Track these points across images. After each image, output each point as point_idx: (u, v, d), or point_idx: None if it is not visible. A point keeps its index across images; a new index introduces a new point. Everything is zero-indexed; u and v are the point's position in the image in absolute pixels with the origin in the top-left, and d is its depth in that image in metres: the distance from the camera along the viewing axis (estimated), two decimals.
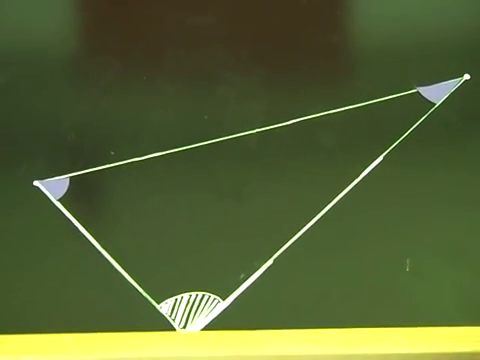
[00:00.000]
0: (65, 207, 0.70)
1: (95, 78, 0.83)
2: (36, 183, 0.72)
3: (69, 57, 0.87)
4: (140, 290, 0.65)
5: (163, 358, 0.61)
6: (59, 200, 0.71)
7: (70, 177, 0.72)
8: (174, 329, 0.63)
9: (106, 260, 0.67)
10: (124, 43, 0.87)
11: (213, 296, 0.64)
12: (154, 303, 0.64)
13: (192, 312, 0.63)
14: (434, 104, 0.80)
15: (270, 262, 0.67)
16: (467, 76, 0.82)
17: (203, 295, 0.64)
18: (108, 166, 0.74)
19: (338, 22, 0.92)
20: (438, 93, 0.80)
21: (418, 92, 0.81)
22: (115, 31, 0.88)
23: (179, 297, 0.64)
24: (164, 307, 0.64)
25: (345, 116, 0.79)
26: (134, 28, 0.88)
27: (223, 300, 0.64)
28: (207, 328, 0.63)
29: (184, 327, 0.63)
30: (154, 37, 0.87)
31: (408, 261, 0.67)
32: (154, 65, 0.85)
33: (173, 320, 0.63)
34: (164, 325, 0.63)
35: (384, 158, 0.75)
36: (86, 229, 0.69)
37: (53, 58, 0.85)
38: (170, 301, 0.64)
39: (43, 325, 0.62)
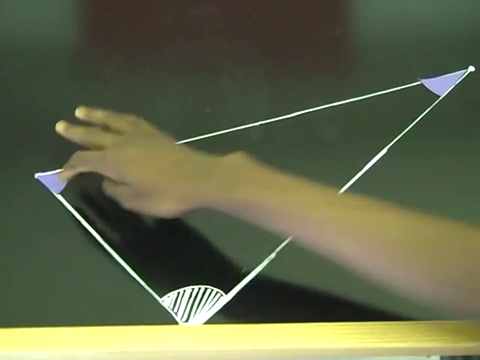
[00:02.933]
0: (67, 200, 0.70)
1: (97, 71, 0.83)
2: (37, 176, 0.72)
3: (71, 50, 0.87)
4: (142, 283, 0.64)
5: (166, 352, 0.61)
6: (60, 193, 0.71)
7: None
8: (177, 323, 0.62)
9: (108, 253, 0.67)
10: (126, 36, 0.86)
11: (216, 290, 0.64)
12: (156, 297, 0.64)
13: (195, 306, 0.63)
14: (438, 96, 0.79)
15: (273, 255, 0.66)
16: (472, 68, 0.81)
17: (206, 289, 0.64)
18: None
19: (342, 14, 0.92)
20: (442, 85, 0.80)
21: (422, 84, 0.80)
22: (117, 24, 0.88)
23: (181, 291, 0.64)
24: (166, 301, 0.64)
25: (349, 108, 0.78)
26: (136, 20, 0.88)
27: (226, 294, 0.64)
28: (210, 322, 0.63)
29: (187, 321, 0.62)
30: (156, 29, 0.87)
31: None
32: (156, 57, 0.85)
33: (175, 314, 0.63)
34: (166, 319, 0.63)
35: (388, 150, 0.74)
36: (88, 222, 0.69)
37: (55, 51, 0.85)
38: (172, 295, 0.64)
39: (43, 318, 0.62)
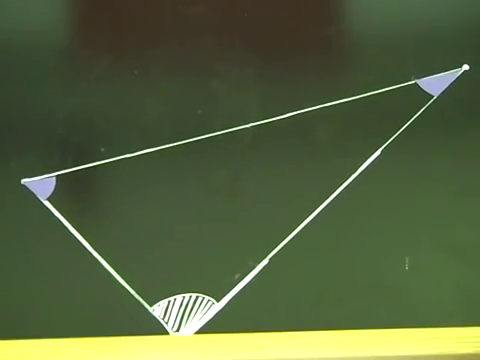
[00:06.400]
0: (54, 206, 0.69)
1: (85, 72, 0.81)
2: (24, 182, 0.71)
3: (58, 51, 0.85)
4: (132, 292, 0.64)
5: None
6: (47, 199, 0.70)
7: (57, 176, 0.71)
8: (167, 332, 0.62)
9: (97, 261, 0.66)
10: (115, 36, 0.85)
11: (207, 297, 0.64)
12: (146, 306, 0.64)
13: (186, 314, 0.63)
14: (432, 96, 0.78)
15: (266, 261, 0.66)
16: (466, 67, 0.81)
17: (197, 297, 0.64)
18: (99, 163, 0.73)
19: (334, 13, 0.91)
20: (437, 85, 0.79)
21: (416, 84, 0.79)
22: (105, 23, 0.87)
23: (172, 299, 0.64)
24: (157, 310, 0.63)
25: (342, 109, 0.78)
26: (125, 20, 0.87)
27: (217, 302, 0.64)
28: (201, 331, 0.63)
29: (177, 330, 0.62)
30: (145, 29, 0.86)
31: (407, 259, 0.66)
32: (146, 58, 0.83)
33: (166, 323, 0.63)
34: (157, 328, 0.62)
35: (382, 151, 0.74)
36: (76, 229, 0.68)
37: (41, 51, 0.84)
38: (163, 303, 0.64)
39: (29, 328, 0.62)
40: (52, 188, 0.70)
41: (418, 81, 0.80)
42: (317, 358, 0.61)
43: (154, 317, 0.63)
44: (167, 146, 0.74)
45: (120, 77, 0.82)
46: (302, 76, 0.82)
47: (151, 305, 0.63)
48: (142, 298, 0.64)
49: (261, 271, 0.65)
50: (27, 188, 0.71)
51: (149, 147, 0.74)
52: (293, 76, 0.82)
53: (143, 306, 0.63)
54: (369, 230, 0.69)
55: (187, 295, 0.64)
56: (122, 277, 0.65)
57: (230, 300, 0.64)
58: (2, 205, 0.70)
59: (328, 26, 0.87)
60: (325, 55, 0.84)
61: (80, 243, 0.67)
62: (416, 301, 0.60)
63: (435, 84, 0.79)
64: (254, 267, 0.66)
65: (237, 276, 0.65)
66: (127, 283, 0.64)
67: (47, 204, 0.70)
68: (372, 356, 0.61)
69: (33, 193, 0.70)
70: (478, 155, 0.74)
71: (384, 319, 0.62)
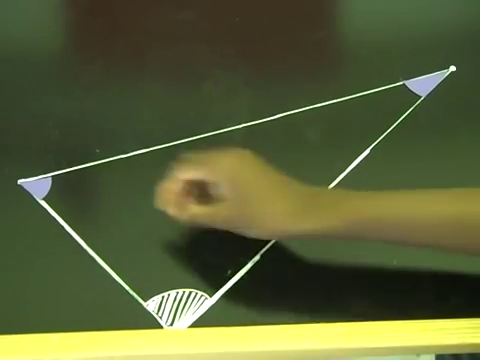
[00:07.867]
0: (50, 206, 0.70)
1: (79, 76, 0.82)
2: (20, 182, 0.72)
3: (53, 55, 0.86)
4: (126, 288, 0.64)
5: (150, 356, 0.61)
6: (44, 199, 0.70)
7: (53, 176, 0.72)
8: (161, 327, 0.62)
9: (92, 258, 0.66)
10: (108, 40, 0.86)
11: (200, 293, 0.64)
12: (141, 301, 0.64)
13: (179, 309, 0.63)
14: (420, 96, 0.79)
15: (257, 258, 0.66)
16: (453, 68, 0.82)
17: (190, 292, 0.64)
18: (94, 164, 0.73)
19: (323, 16, 0.92)
20: (424, 85, 0.80)
21: (404, 85, 0.80)
22: (99, 29, 0.88)
23: (166, 294, 0.64)
24: (151, 305, 0.63)
25: (331, 110, 0.78)
26: (118, 26, 0.88)
27: (210, 297, 0.64)
28: (194, 325, 0.63)
29: (171, 324, 0.62)
30: (138, 34, 0.87)
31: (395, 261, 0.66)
32: (139, 62, 0.84)
33: (160, 318, 0.63)
34: (151, 323, 0.63)
35: (371, 151, 0.75)
36: (71, 227, 0.68)
37: (36, 56, 0.85)
38: (157, 298, 0.64)
39: (28, 324, 0.62)
40: (48, 188, 0.71)
41: (406, 82, 0.80)
42: (306, 350, 0.61)
43: (148, 312, 0.63)
44: (160, 147, 0.74)
45: (114, 81, 0.83)
46: (292, 78, 0.83)
47: (145, 300, 0.64)
48: (137, 294, 0.64)
49: (253, 267, 0.66)
50: (23, 188, 0.71)
51: (142, 148, 0.74)
52: (283, 78, 0.83)
53: (137, 301, 0.64)
54: None
55: (181, 290, 0.64)
56: (117, 273, 0.65)
57: (223, 295, 0.64)
58: None
59: (317, 30, 0.87)
60: (315, 58, 0.85)
61: (75, 241, 0.67)
62: (404, 295, 0.61)
63: (423, 85, 0.80)
64: (246, 263, 0.66)
65: (229, 272, 0.65)
66: (122, 279, 0.65)
67: (43, 204, 0.70)
68: (361, 348, 0.61)
69: (29, 193, 0.71)
70: (464, 154, 0.75)
71: (374, 312, 0.63)
